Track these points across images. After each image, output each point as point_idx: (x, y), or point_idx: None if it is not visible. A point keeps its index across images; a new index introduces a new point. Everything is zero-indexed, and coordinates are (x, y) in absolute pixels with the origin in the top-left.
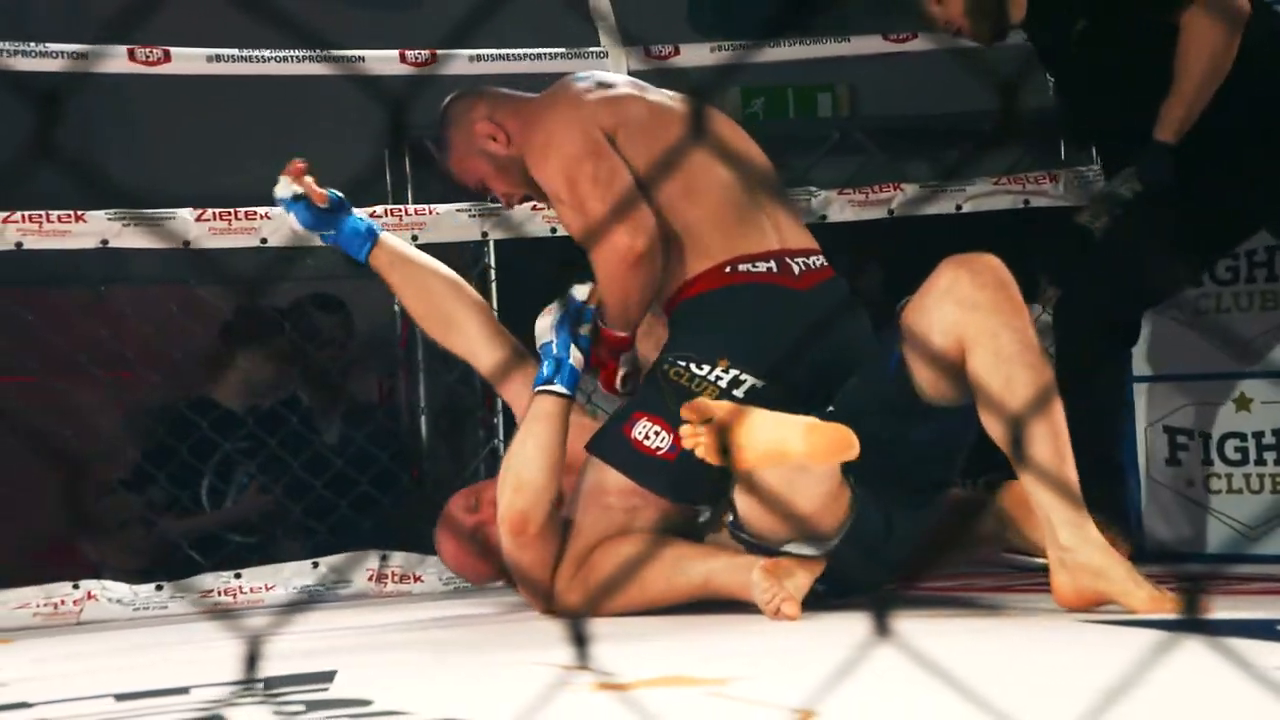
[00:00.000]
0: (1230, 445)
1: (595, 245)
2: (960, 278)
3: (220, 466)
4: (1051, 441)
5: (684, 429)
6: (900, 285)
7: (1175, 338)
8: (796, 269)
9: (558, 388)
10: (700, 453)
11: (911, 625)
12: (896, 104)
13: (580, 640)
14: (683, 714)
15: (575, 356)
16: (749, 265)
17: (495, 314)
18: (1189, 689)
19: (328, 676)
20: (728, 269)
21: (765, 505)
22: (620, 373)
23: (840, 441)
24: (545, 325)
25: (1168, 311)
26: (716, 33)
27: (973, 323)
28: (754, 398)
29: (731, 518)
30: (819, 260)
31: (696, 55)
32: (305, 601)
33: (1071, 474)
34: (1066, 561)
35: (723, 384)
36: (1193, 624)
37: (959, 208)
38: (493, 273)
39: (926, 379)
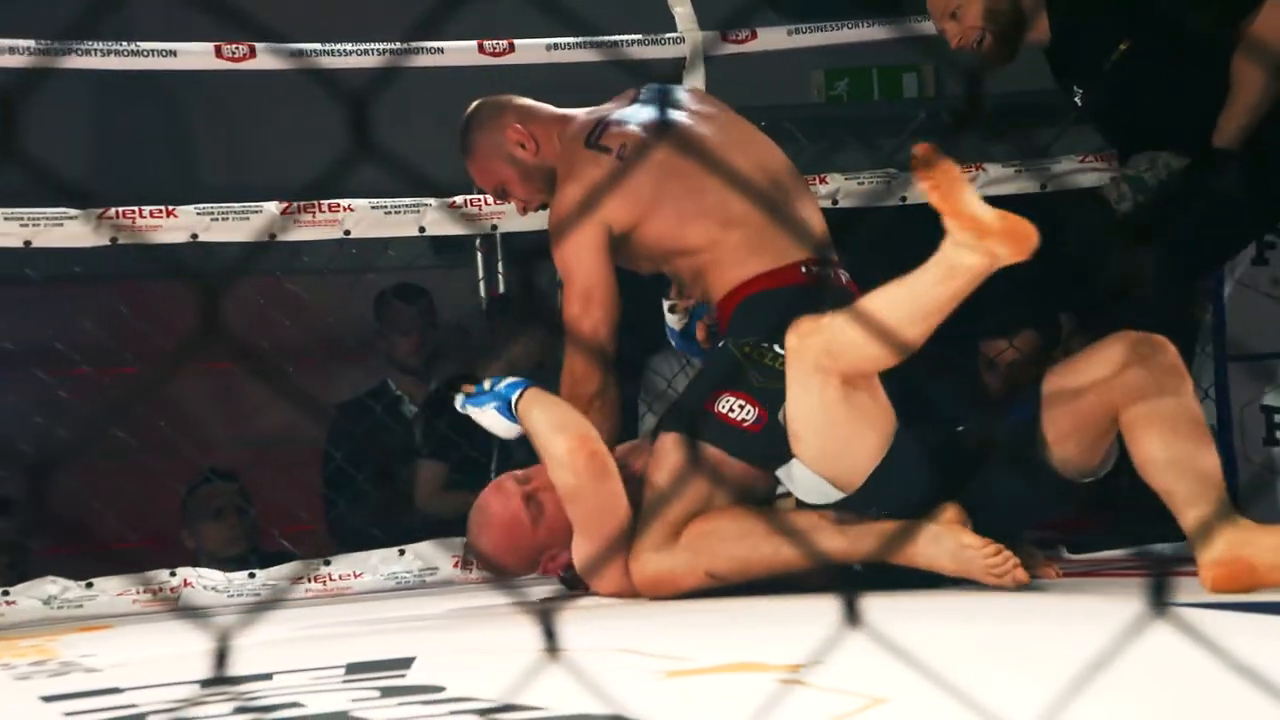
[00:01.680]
0: None
1: (565, 366)
2: (1134, 357)
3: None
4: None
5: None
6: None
7: (1270, 316)
8: (844, 277)
9: None
10: (934, 199)
11: (991, 604)
12: (983, 83)
13: (549, 631)
14: (755, 700)
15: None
16: (813, 267)
17: None
18: None
19: (406, 663)
20: (802, 269)
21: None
22: None
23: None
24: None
25: (1261, 287)
26: (798, 15)
27: (1146, 409)
28: None
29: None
30: (845, 273)
31: (774, 39)
32: (271, 601)
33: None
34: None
35: None
36: None
37: (1044, 186)
38: None
39: (1066, 448)
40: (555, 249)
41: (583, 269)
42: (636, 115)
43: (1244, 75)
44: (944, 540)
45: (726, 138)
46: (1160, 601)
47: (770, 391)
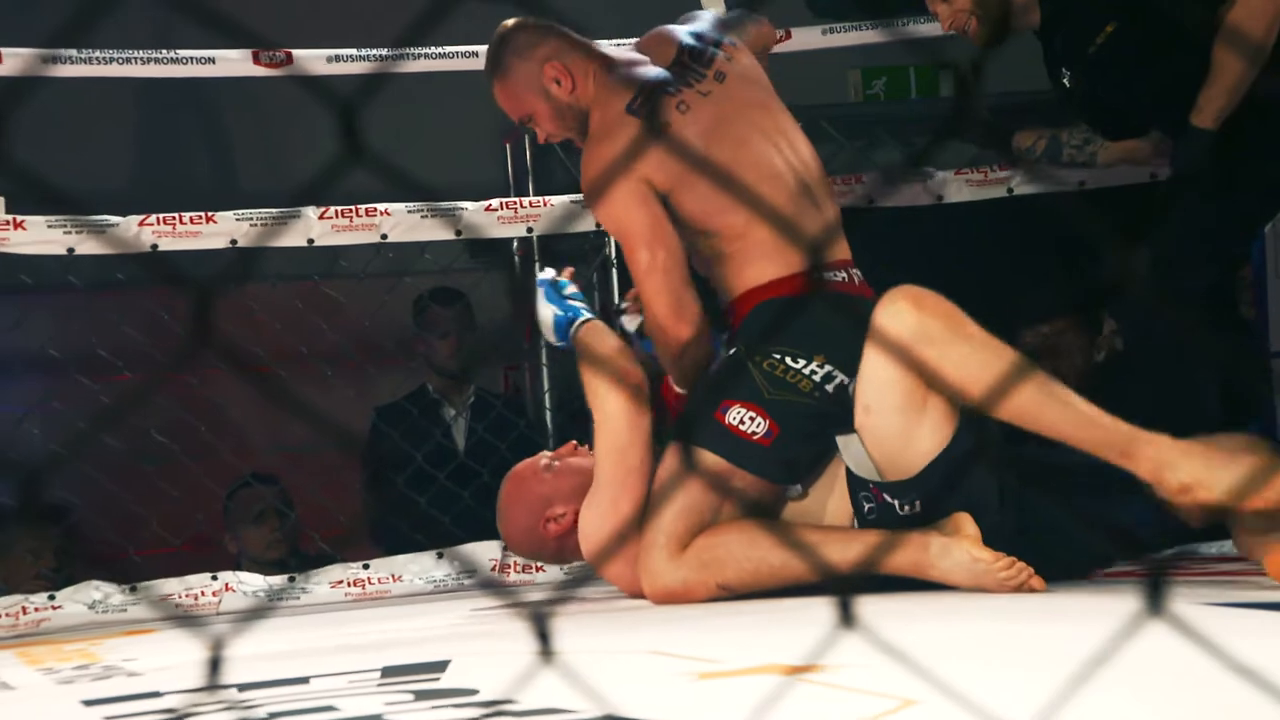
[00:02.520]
0: None
1: (647, 320)
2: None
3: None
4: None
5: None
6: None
7: None
8: (856, 279)
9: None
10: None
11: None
12: (1022, 81)
13: (543, 634)
14: (786, 702)
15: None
16: (830, 273)
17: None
18: None
19: (440, 666)
20: (816, 274)
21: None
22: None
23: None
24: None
25: None
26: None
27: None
28: (842, 393)
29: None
30: (859, 273)
31: (809, 39)
32: (265, 607)
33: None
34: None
35: (816, 378)
36: None
37: (1082, 184)
38: (614, 263)
39: None
40: (597, 210)
41: (636, 219)
42: (675, 85)
43: (1223, 60)
44: (955, 553)
45: (761, 122)
46: (1156, 601)
47: (781, 404)
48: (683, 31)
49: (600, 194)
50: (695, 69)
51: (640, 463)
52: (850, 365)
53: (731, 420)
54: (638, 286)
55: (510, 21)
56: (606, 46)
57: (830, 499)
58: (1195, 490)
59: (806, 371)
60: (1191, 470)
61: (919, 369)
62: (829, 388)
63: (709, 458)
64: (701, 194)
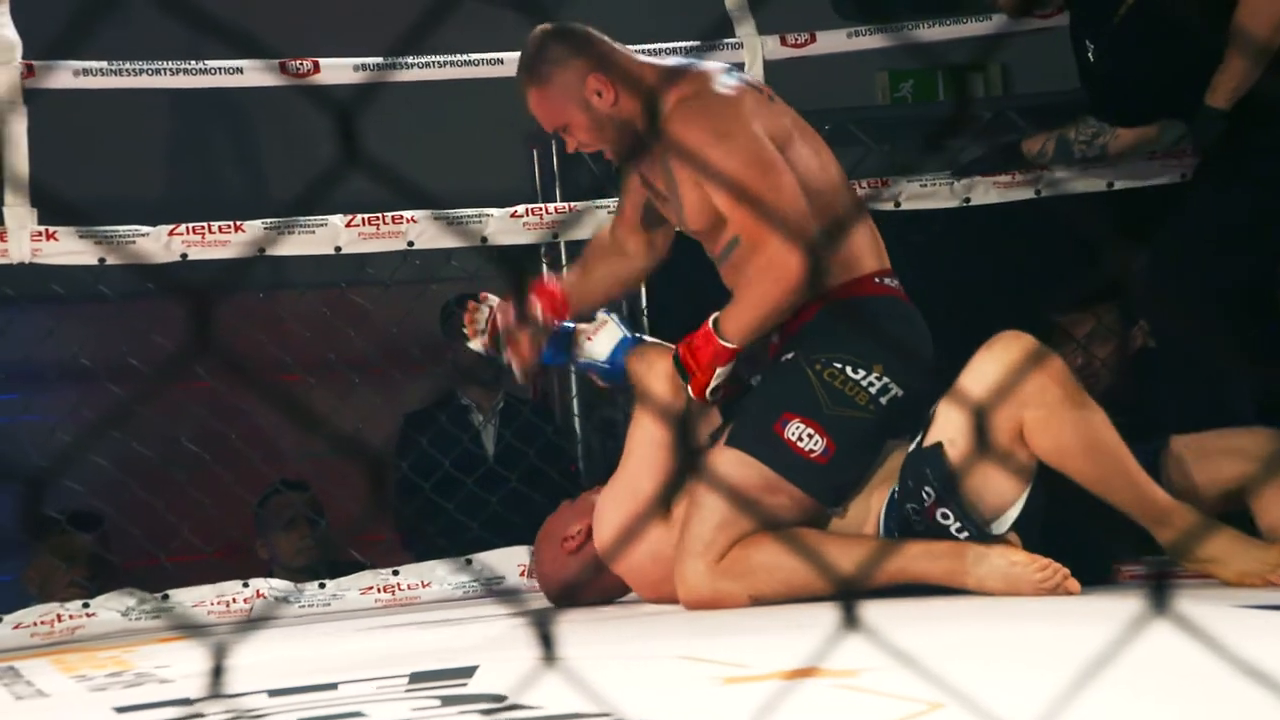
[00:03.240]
0: None
1: (757, 254)
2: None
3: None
4: None
5: None
6: None
7: None
8: (902, 287)
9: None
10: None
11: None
12: (1052, 82)
13: (546, 638)
14: (812, 706)
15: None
16: (888, 279)
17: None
18: None
19: (468, 672)
20: (876, 279)
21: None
22: (714, 384)
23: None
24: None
25: None
26: (859, 17)
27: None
28: (895, 407)
29: (933, 497)
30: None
31: (834, 42)
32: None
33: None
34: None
35: (873, 390)
36: None
37: (1110, 185)
38: None
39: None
40: (707, 146)
41: (752, 149)
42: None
43: (1240, 38)
44: (993, 559)
45: (817, 134)
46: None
47: (840, 420)
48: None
49: (710, 133)
50: (752, 83)
51: (667, 449)
52: (905, 377)
53: (790, 435)
54: (762, 203)
55: (546, 27)
56: (645, 56)
57: (865, 515)
58: (1211, 566)
59: (865, 384)
60: (1216, 548)
61: (1017, 424)
62: (884, 400)
63: (761, 468)
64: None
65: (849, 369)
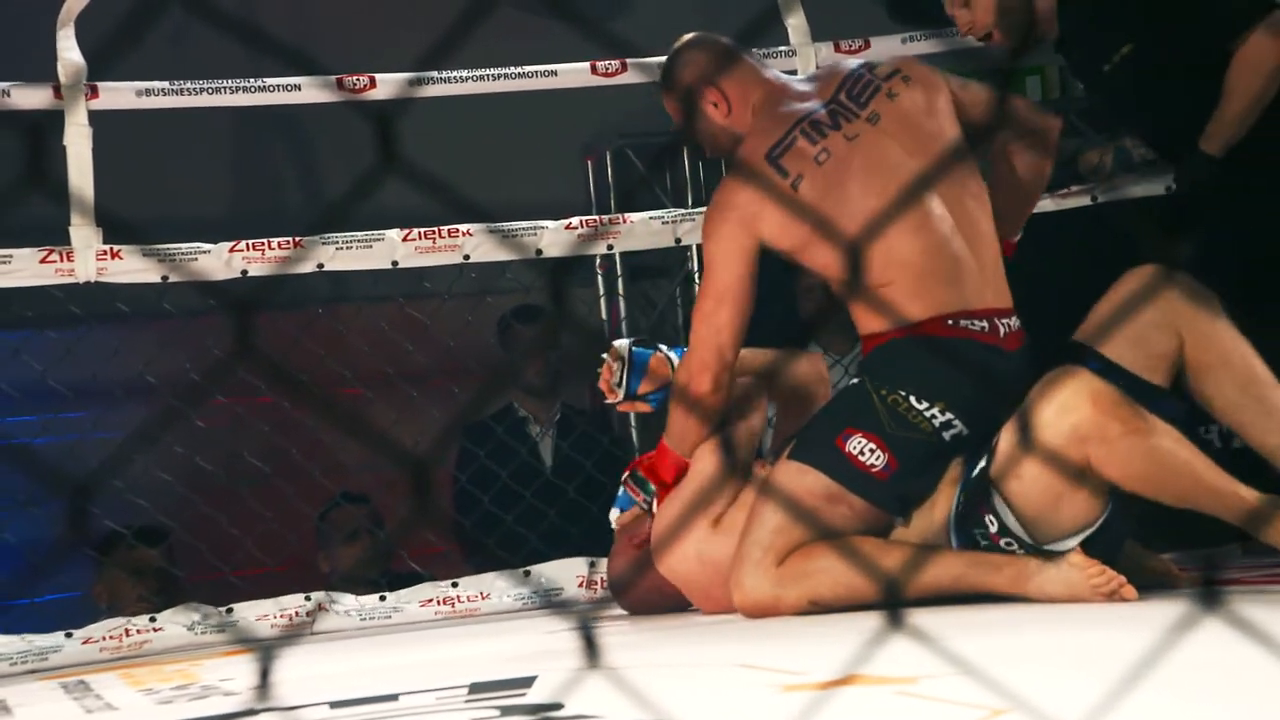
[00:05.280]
0: None
1: (681, 366)
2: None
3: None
4: None
5: None
6: None
7: None
8: (1003, 330)
9: None
10: None
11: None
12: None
13: (590, 642)
14: (872, 713)
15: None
16: (969, 321)
17: None
18: None
19: (527, 682)
20: (950, 321)
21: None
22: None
23: None
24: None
25: None
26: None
27: None
28: (958, 443)
29: (996, 526)
30: (1017, 321)
31: (888, 47)
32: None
33: None
34: None
35: (936, 423)
36: None
37: (1169, 189)
38: (695, 278)
39: None
40: (705, 238)
41: (723, 271)
42: (824, 127)
43: (1234, 90)
44: (1054, 568)
45: (909, 168)
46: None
47: (902, 440)
48: (853, 62)
49: (710, 230)
50: (848, 109)
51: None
52: (970, 417)
53: (851, 449)
54: (692, 322)
55: (688, 36)
56: (775, 73)
57: (928, 524)
58: None
59: (928, 414)
60: None
61: (1084, 458)
62: (947, 435)
63: (822, 479)
64: (831, 251)
65: (913, 399)
